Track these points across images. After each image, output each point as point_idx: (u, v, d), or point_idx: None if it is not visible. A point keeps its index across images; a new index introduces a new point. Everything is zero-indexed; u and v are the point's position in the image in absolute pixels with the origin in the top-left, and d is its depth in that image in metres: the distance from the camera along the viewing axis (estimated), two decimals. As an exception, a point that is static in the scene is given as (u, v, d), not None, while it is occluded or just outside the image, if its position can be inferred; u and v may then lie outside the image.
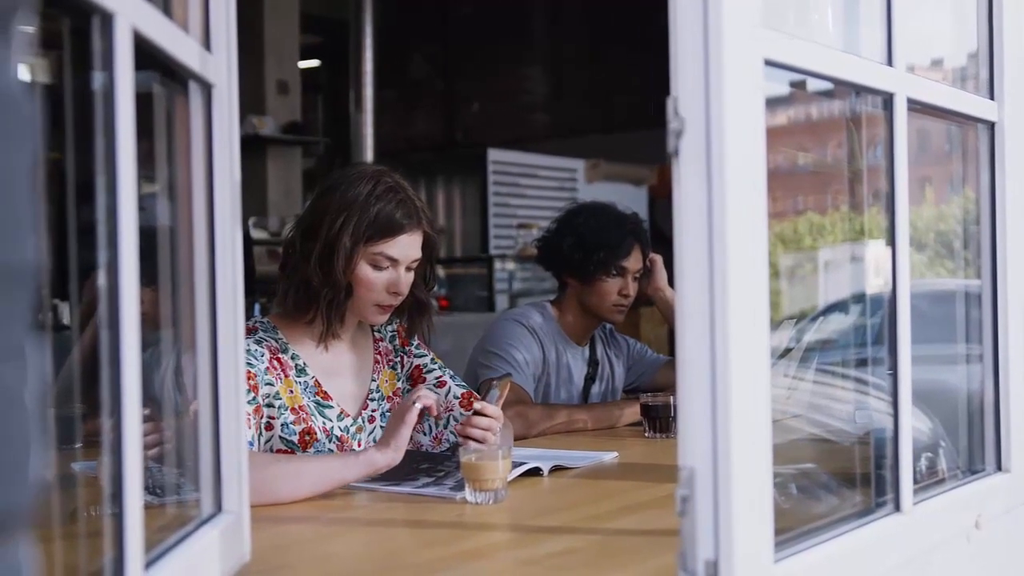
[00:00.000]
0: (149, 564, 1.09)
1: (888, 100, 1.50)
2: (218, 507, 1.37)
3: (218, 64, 1.36)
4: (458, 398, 2.32)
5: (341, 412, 2.21)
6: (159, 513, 1.35)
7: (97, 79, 1.01)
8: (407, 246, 2.17)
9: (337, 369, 2.25)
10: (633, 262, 2.98)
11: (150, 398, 1.17)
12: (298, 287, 2.16)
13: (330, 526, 1.75)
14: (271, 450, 2.11)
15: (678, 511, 1.17)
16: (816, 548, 1.33)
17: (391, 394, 2.33)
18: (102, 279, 0.99)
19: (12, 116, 0.57)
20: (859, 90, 1.54)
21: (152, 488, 1.29)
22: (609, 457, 2.32)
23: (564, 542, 1.60)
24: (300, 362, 2.19)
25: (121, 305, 1.00)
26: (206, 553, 1.27)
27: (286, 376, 2.15)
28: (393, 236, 2.15)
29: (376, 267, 2.15)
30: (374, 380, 2.31)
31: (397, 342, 2.38)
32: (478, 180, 8.21)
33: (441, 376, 2.36)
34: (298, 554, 1.58)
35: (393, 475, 2.05)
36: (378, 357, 2.34)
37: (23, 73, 0.60)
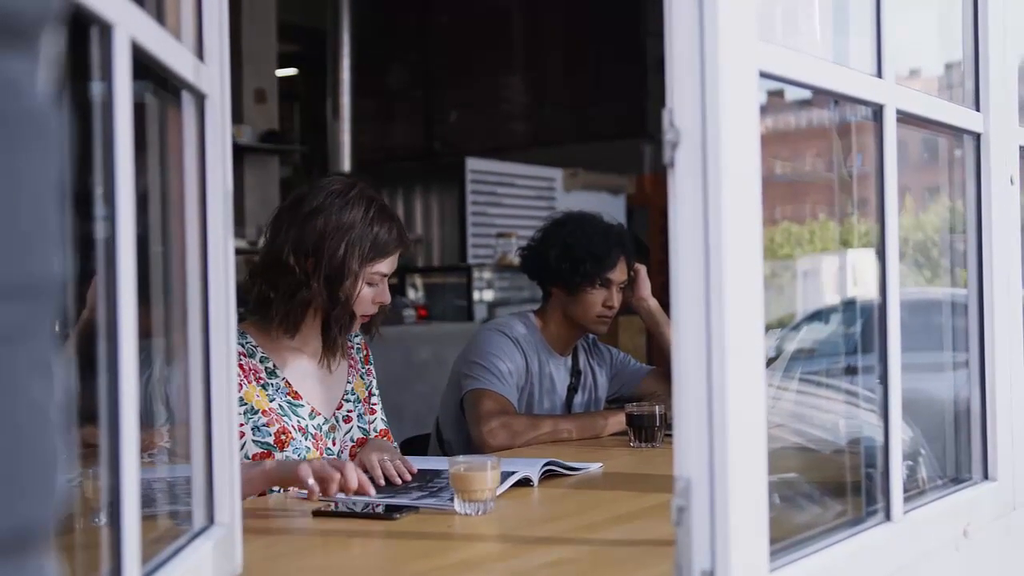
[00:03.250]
0: (144, 578, 1.08)
1: (878, 111, 1.51)
2: (210, 520, 1.36)
3: (211, 74, 1.35)
4: (377, 432, 2.41)
5: (312, 411, 2.27)
6: (150, 525, 1.34)
7: (94, 88, 1.00)
8: (395, 261, 2.31)
9: (311, 372, 2.32)
10: (618, 274, 2.99)
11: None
12: (300, 307, 2.22)
13: (321, 538, 1.75)
14: (245, 456, 2.13)
15: (674, 521, 1.17)
16: (810, 557, 1.34)
17: (364, 399, 2.42)
18: (100, 290, 0.99)
19: (40, 132, 0.57)
20: (850, 101, 1.55)
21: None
22: (595, 467, 2.32)
23: (556, 552, 1.59)
24: (270, 365, 2.25)
25: (119, 315, 0.99)
26: (199, 566, 1.27)
27: (250, 382, 2.21)
28: (390, 255, 2.28)
29: (370, 284, 2.26)
30: (349, 382, 2.39)
31: (362, 355, 2.47)
32: (456, 189, 8.20)
33: (376, 404, 2.47)
34: (289, 566, 1.58)
35: (386, 489, 2.04)
36: (352, 362, 2.43)
37: (50, 86, 0.59)
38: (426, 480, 2.12)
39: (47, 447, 0.55)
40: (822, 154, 1.91)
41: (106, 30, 0.99)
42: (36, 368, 0.54)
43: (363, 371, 2.45)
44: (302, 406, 2.25)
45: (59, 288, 0.58)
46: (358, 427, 2.37)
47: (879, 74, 1.52)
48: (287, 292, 2.21)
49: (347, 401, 2.37)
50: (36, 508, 0.54)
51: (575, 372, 3.12)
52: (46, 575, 0.55)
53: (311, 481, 1.86)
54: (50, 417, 0.55)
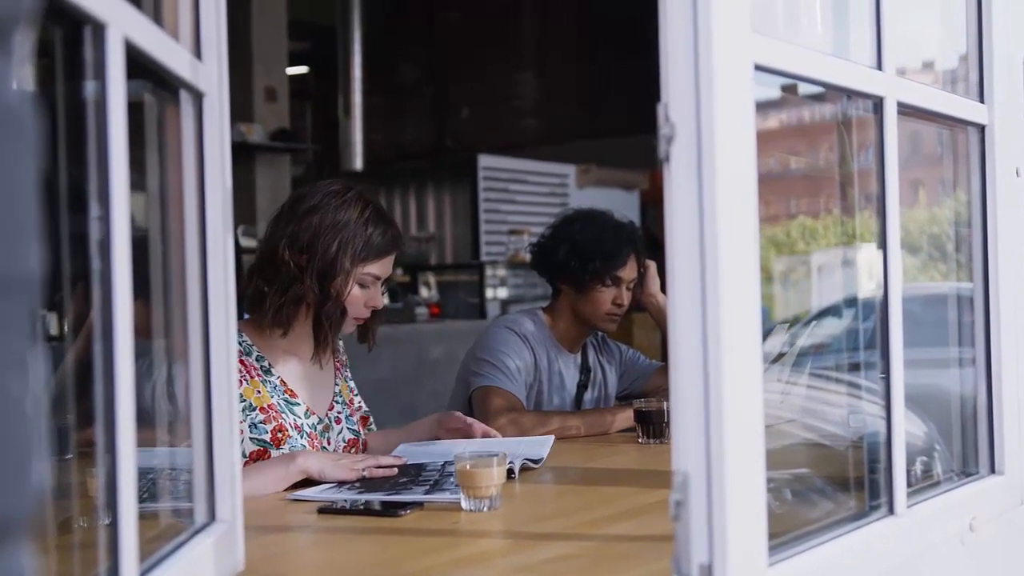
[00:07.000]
0: (143, 574, 1.09)
1: (878, 104, 1.51)
2: (212, 516, 1.37)
3: (209, 73, 1.36)
4: (346, 440, 2.41)
5: (307, 410, 2.31)
6: (152, 522, 1.34)
7: (88, 88, 1.01)
8: (390, 265, 2.34)
9: (302, 373, 2.35)
10: (628, 272, 2.98)
11: (142, 409, 1.17)
12: (293, 303, 2.25)
13: (324, 535, 1.75)
14: (243, 454, 2.15)
15: (672, 515, 1.17)
16: (810, 552, 1.33)
17: (348, 401, 2.46)
18: (95, 290, 0.99)
19: (14, 128, 0.57)
20: (849, 94, 1.55)
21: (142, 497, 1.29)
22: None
23: (560, 548, 1.59)
24: (265, 363, 2.29)
25: (114, 316, 0.99)
26: (200, 562, 1.27)
27: (252, 378, 2.25)
28: (383, 257, 2.30)
29: (362, 285, 2.29)
30: (336, 385, 2.44)
31: (344, 359, 2.52)
32: (468, 186, 8.20)
33: (356, 396, 2.51)
34: (291, 563, 1.58)
35: (378, 486, 2.03)
36: (338, 365, 2.48)
37: (24, 83, 0.60)
38: (415, 475, 2.11)
39: (23, 441, 0.55)
40: (835, 148, 1.91)
41: (99, 29, 0.99)
42: (12, 362, 0.55)
43: (346, 375, 2.50)
44: (298, 404, 2.30)
45: (37, 283, 0.58)
46: (347, 428, 2.42)
47: (879, 66, 1.51)
48: (281, 287, 2.25)
49: (336, 403, 2.42)
50: (13, 501, 0.55)
51: (585, 369, 3.12)
52: (22, 566, 0.55)
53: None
54: (26, 411, 0.56)
